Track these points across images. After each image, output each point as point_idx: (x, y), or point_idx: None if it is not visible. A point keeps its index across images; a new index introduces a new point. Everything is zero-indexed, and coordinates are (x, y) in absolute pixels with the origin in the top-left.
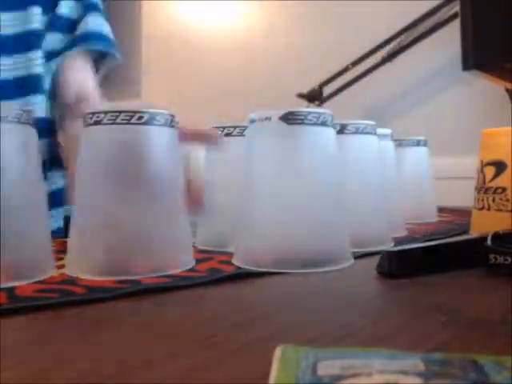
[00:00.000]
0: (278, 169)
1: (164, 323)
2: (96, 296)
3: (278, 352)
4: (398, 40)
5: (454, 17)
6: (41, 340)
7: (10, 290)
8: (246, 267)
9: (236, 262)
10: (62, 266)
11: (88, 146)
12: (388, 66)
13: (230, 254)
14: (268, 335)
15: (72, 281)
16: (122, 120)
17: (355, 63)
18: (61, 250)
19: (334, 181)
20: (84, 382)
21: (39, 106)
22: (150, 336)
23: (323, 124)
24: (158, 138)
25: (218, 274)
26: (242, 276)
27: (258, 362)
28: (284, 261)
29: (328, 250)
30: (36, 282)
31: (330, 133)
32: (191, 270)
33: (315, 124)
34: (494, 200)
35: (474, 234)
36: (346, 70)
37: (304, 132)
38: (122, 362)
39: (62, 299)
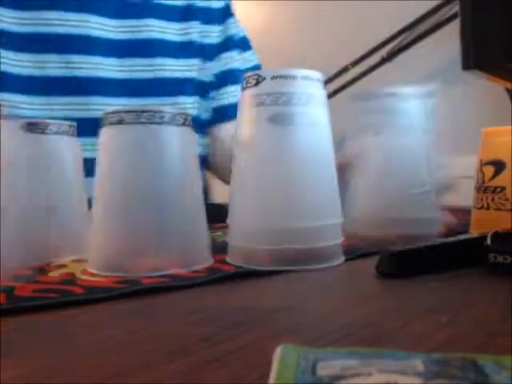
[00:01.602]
0: (267, 159)
1: (164, 323)
2: (95, 296)
3: (277, 352)
4: (398, 40)
5: (454, 17)
6: (41, 340)
7: (10, 291)
8: (237, 264)
9: (230, 259)
10: (62, 266)
11: (109, 145)
12: (388, 65)
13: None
14: (268, 335)
15: (71, 281)
16: (145, 119)
17: (355, 63)
18: None
19: (324, 169)
20: (84, 382)
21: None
22: (150, 336)
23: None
24: (178, 137)
25: (218, 274)
26: (242, 276)
27: (258, 362)
28: (274, 258)
29: (321, 247)
30: (35, 282)
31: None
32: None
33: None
34: (493, 199)
35: (473, 233)
36: (345, 69)
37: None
38: (122, 362)
39: (62, 299)
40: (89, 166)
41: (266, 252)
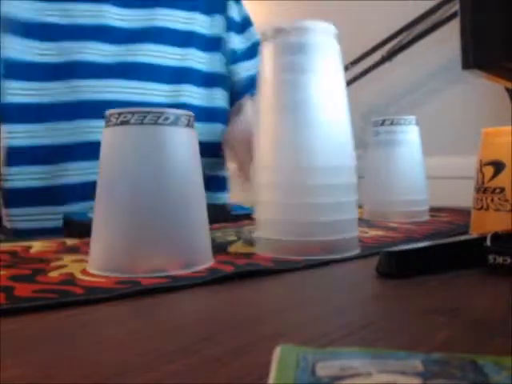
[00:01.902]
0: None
1: (164, 323)
2: (95, 296)
3: (277, 352)
4: (397, 39)
5: (453, 15)
6: (41, 340)
7: (10, 291)
8: (265, 254)
9: (258, 250)
10: (62, 267)
11: (112, 146)
12: (387, 65)
13: (230, 254)
14: (268, 335)
15: (71, 281)
16: (150, 120)
17: (355, 62)
18: (59, 251)
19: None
20: (84, 382)
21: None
22: (150, 336)
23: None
24: (181, 138)
25: (218, 274)
26: (242, 276)
27: (258, 362)
28: (300, 249)
29: (339, 238)
30: (35, 283)
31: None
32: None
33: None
34: (492, 200)
35: (473, 234)
36: (345, 69)
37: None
38: (122, 362)
39: (62, 299)
40: None
41: (293, 244)
